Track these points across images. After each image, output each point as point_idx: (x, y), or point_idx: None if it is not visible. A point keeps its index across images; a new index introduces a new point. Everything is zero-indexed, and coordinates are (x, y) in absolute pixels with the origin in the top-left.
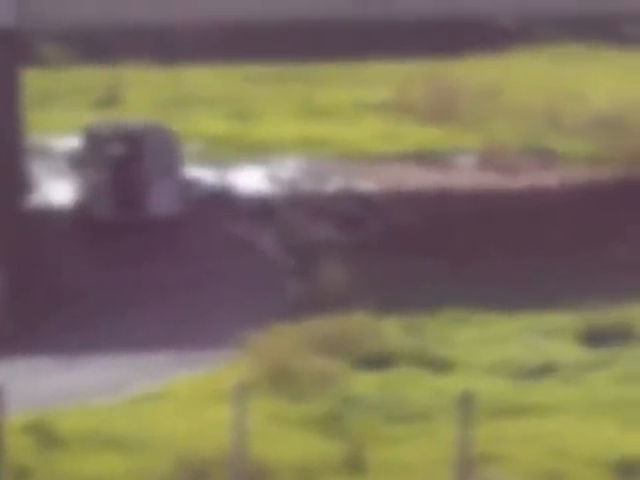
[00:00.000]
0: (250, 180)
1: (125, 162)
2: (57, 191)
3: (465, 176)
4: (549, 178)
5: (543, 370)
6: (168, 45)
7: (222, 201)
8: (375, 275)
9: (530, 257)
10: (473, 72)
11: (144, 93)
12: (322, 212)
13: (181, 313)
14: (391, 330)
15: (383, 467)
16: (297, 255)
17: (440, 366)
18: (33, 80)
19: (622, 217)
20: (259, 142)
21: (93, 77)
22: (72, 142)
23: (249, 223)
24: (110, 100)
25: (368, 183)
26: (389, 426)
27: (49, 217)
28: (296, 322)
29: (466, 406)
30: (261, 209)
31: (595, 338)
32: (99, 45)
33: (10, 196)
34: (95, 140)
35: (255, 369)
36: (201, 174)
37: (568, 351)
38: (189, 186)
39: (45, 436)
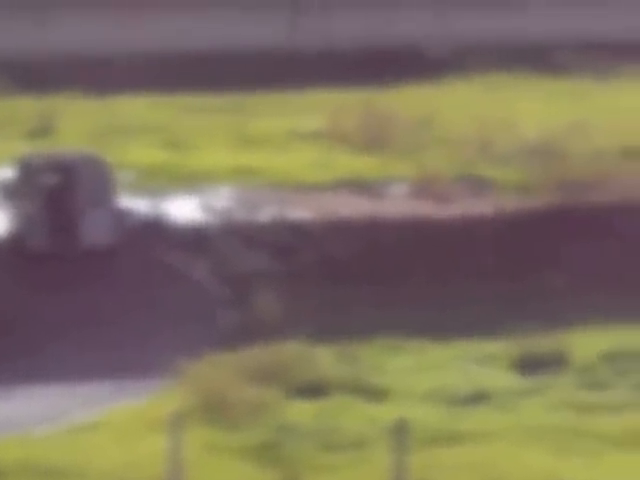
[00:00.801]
0: (184, 210)
1: (59, 192)
2: None
3: (398, 204)
4: (482, 206)
5: (477, 397)
6: (102, 75)
7: (156, 230)
8: (309, 304)
9: (464, 285)
10: (406, 101)
11: (78, 123)
12: (256, 241)
13: (117, 343)
14: (325, 359)
15: None
16: (231, 284)
17: (374, 394)
18: None
19: (555, 244)
20: (193, 172)
21: (26, 107)
22: (5, 173)
23: (183, 252)
24: (44, 130)
25: (302, 212)
26: (324, 454)
27: None
28: (231, 351)
29: (401, 434)
30: (195, 238)
31: (529, 365)
32: (32, 75)
33: None
34: (28, 170)
35: (190, 398)
36: (135, 204)
37: (502, 378)
38: (123, 216)
39: None
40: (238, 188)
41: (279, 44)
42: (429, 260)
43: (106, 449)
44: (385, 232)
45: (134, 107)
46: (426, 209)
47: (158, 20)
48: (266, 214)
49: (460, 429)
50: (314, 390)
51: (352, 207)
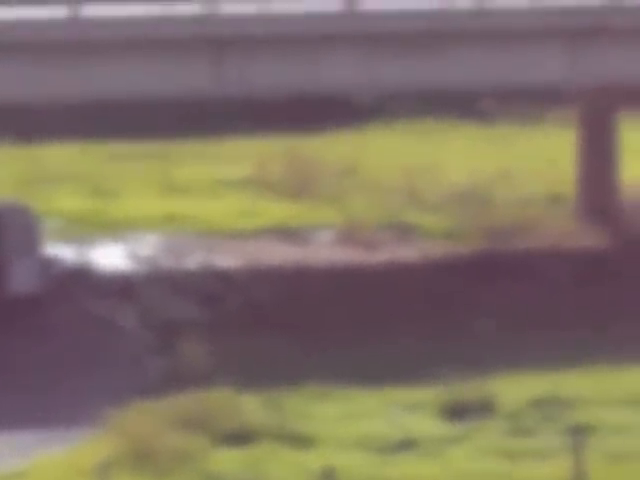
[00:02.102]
0: (111, 257)
1: None
2: None
3: (324, 251)
4: (408, 252)
5: (405, 444)
6: (27, 122)
7: (83, 278)
8: (235, 351)
9: (391, 331)
10: (331, 148)
11: (3, 171)
12: (182, 288)
13: (44, 390)
14: (252, 406)
15: None
16: (158, 332)
17: (301, 442)
18: None
19: (482, 290)
20: (119, 219)
21: None
22: None
23: (110, 300)
24: None
25: (228, 259)
26: None
27: None
28: (158, 399)
29: None
30: (122, 286)
31: (457, 412)
32: None
33: None
34: None
35: (117, 446)
36: (61, 252)
37: (430, 425)
38: (49, 264)
39: None
40: (164, 235)
41: (202, 91)
42: (356, 307)
43: None
44: (312, 279)
45: (59, 154)
46: (352, 256)
47: (82, 66)
48: (192, 261)
49: (387, 476)
50: (241, 438)
51: (278, 254)
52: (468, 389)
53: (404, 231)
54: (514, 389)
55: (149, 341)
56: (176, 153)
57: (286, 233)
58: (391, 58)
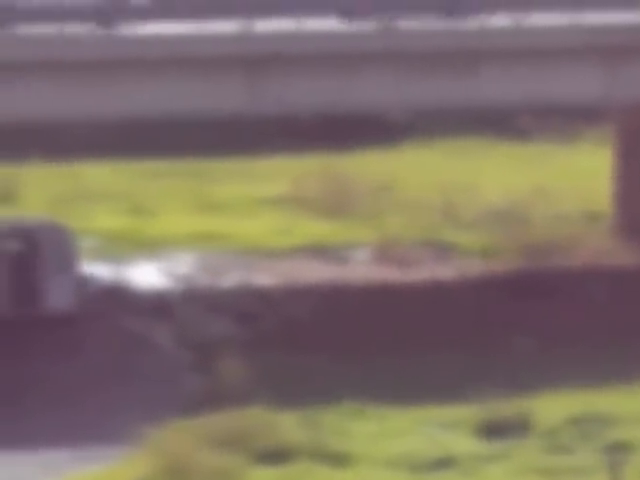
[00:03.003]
0: (146, 275)
1: (21, 259)
2: None
3: (360, 269)
4: (444, 271)
5: (441, 463)
6: (64, 141)
7: (119, 297)
8: (272, 369)
9: (428, 349)
10: (367, 166)
11: (40, 189)
12: (219, 307)
13: (79, 409)
14: (288, 424)
15: None
16: (194, 350)
17: (338, 460)
18: None
19: (518, 309)
20: (155, 237)
21: None
22: None
23: (146, 318)
24: (6, 197)
25: (264, 278)
26: None
27: None
28: (194, 417)
29: None
30: (158, 304)
31: (493, 430)
32: None
33: None
34: None
35: (153, 465)
36: (97, 270)
37: (466, 443)
38: (85, 282)
39: None
40: (201, 254)
41: (238, 109)
42: (392, 325)
43: None
44: (348, 297)
45: (96, 173)
46: (388, 274)
47: (117, 84)
48: (229, 280)
49: None
50: (277, 456)
51: (314, 272)
52: (505, 407)
53: (440, 249)
54: (551, 407)
55: (185, 359)
56: (213, 171)
57: (322, 251)
58: (426, 76)
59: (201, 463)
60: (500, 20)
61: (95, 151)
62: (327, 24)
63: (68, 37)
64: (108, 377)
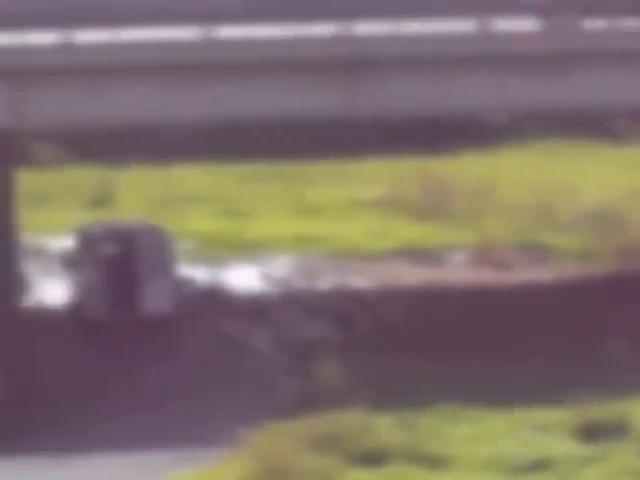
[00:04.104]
0: (243, 278)
1: (118, 262)
2: (51, 291)
3: (458, 272)
4: (542, 273)
5: (538, 465)
6: (161, 144)
7: (215, 299)
8: (368, 372)
9: (523, 353)
10: (464, 168)
11: (136, 192)
12: (315, 309)
13: (176, 411)
14: (385, 427)
15: None
16: (291, 353)
17: (435, 462)
18: (27, 180)
19: (617, 312)
20: (252, 240)
21: (86, 177)
22: (66, 242)
23: (243, 321)
24: (103, 200)
25: (361, 280)
26: None
27: (43, 317)
28: (291, 419)
29: None
30: (254, 307)
31: (590, 433)
32: (91, 145)
33: (4, 296)
34: (88, 240)
35: (250, 467)
36: (194, 272)
37: (563, 446)
38: (182, 285)
39: None
40: (297, 256)
41: (335, 112)
42: (488, 328)
43: None
44: (444, 300)
45: (192, 176)
46: (485, 276)
47: (215, 87)
48: (326, 282)
49: None
50: (374, 458)
51: (411, 275)
52: (602, 410)
53: (538, 251)
54: None
55: (282, 362)
56: (310, 174)
57: (419, 254)
58: (523, 78)
59: (298, 465)
60: (596, 23)
61: (192, 154)
62: (424, 27)
63: (166, 40)
64: (205, 379)
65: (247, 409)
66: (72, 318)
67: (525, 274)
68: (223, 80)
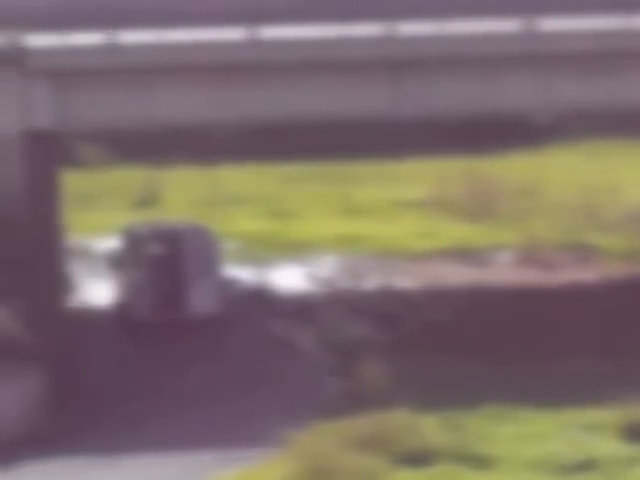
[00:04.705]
0: (289, 278)
1: (164, 262)
2: (97, 291)
3: (503, 272)
4: (587, 273)
5: (584, 466)
6: (206, 145)
7: (261, 299)
8: (414, 372)
9: (569, 353)
10: (510, 168)
11: (182, 193)
12: (361, 309)
13: (222, 412)
14: (430, 427)
15: None
16: (336, 353)
17: (481, 462)
18: (72, 181)
19: None
20: (297, 240)
21: (131, 178)
22: (111, 242)
23: (288, 321)
24: (149, 200)
25: (407, 280)
26: None
27: (89, 317)
28: (337, 419)
29: None
30: (299, 307)
31: (636, 433)
32: (136, 146)
33: (51, 297)
34: (134, 240)
35: (296, 466)
36: (240, 273)
37: (609, 446)
38: (228, 285)
39: None
40: (343, 257)
41: (380, 112)
42: (534, 328)
43: None
44: (490, 300)
45: (237, 176)
46: (531, 277)
47: (261, 88)
48: (371, 283)
49: None
50: (420, 458)
51: (456, 275)
52: None
53: (584, 252)
54: None
55: (327, 362)
56: (354, 174)
57: (464, 254)
58: (569, 78)
59: (344, 465)
60: None
61: (237, 155)
62: (470, 27)
63: (213, 41)
64: (250, 380)
65: (292, 409)
66: (117, 319)
67: (570, 274)
68: (267, 81)
